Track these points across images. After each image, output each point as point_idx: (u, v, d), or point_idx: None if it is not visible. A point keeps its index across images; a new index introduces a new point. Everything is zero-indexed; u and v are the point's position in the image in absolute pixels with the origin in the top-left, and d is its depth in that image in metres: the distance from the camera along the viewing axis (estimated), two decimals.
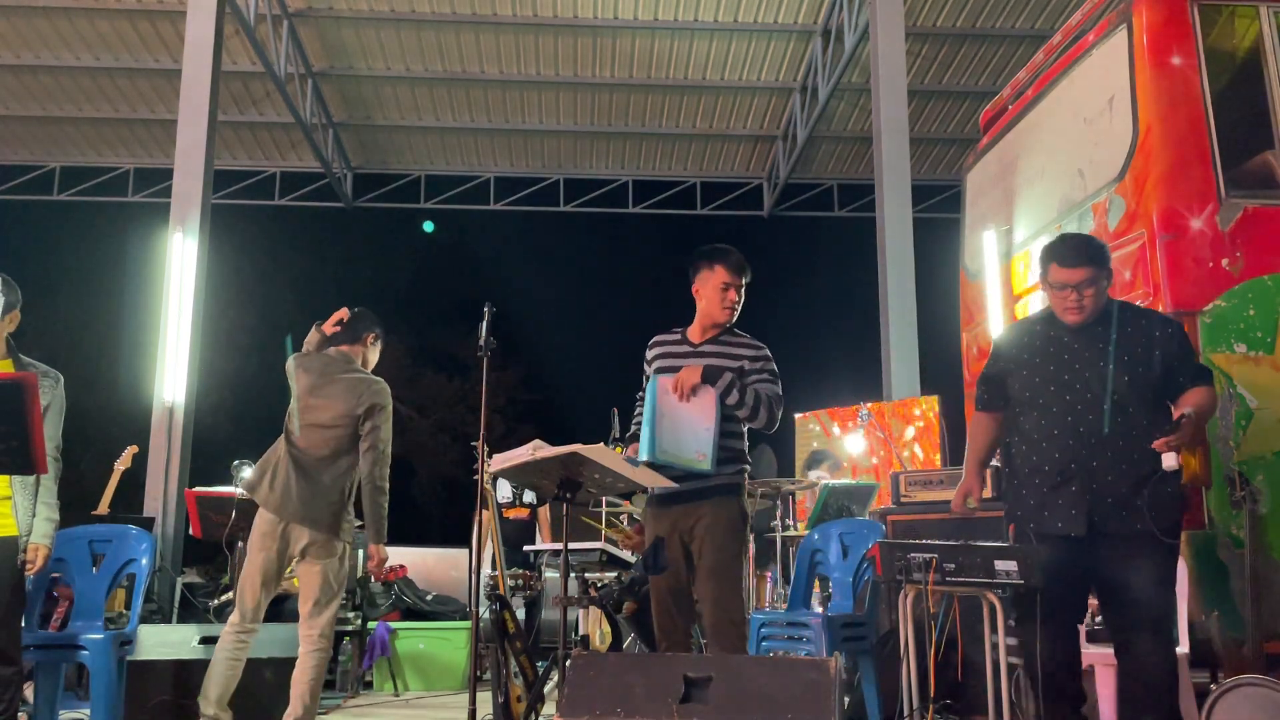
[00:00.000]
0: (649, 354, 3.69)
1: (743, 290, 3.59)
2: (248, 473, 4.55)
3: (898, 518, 4.33)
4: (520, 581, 6.09)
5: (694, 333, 3.60)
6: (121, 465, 6.67)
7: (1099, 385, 3.10)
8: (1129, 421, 3.06)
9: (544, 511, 7.60)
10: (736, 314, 3.59)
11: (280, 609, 5.90)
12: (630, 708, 2.56)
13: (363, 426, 4.05)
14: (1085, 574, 3.14)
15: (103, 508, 6.52)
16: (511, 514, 7.31)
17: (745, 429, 3.55)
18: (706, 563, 3.37)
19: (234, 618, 3.99)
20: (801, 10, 9.89)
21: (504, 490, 7.45)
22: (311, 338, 4.23)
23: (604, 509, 8.45)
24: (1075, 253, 3.15)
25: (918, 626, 3.85)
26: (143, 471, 7.37)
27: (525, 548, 6.93)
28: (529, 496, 7.52)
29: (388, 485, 4.09)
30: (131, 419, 8.97)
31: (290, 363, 4.21)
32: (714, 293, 3.56)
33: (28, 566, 3.46)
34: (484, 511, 4.78)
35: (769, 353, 3.56)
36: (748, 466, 3.54)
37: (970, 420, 3.48)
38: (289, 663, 4.23)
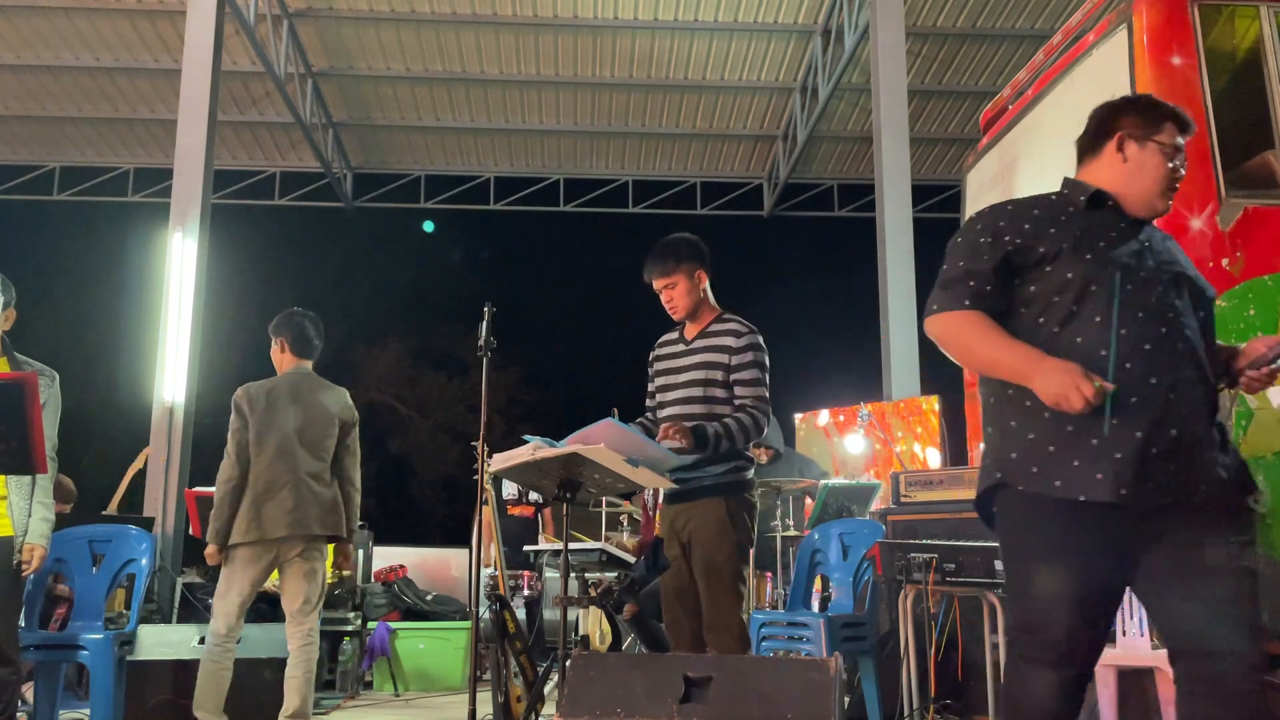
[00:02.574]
0: (651, 354, 3.72)
1: (671, 287, 3.53)
2: None
3: (898, 518, 4.33)
4: (518, 583, 6.09)
5: (688, 330, 3.61)
6: (135, 467, 6.67)
7: (1185, 295, 2.22)
8: (1209, 353, 2.23)
9: (548, 510, 7.58)
10: (678, 313, 3.56)
11: (280, 609, 5.90)
12: (630, 708, 2.56)
13: (347, 435, 4.21)
14: (1141, 568, 2.13)
15: (112, 509, 6.52)
16: (515, 510, 7.29)
17: None
18: (697, 563, 3.38)
19: (220, 628, 3.96)
20: (801, 10, 9.89)
21: (509, 487, 7.44)
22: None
23: (604, 509, 8.46)
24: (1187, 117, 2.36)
25: (918, 626, 3.86)
26: (143, 471, 7.37)
27: (525, 547, 6.93)
28: (535, 494, 7.50)
29: None
30: (131, 419, 8.98)
31: (254, 393, 4.15)
32: None
33: (24, 567, 3.45)
34: (484, 509, 4.78)
35: (755, 339, 3.47)
36: (743, 462, 3.48)
37: (953, 327, 2.34)
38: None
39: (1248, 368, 2.25)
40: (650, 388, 3.70)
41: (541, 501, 7.46)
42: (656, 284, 3.57)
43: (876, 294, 8.13)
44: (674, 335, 3.66)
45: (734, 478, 3.43)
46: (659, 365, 3.64)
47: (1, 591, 3.37)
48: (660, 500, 5.94)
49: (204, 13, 8.17)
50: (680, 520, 3.45)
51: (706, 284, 3.59)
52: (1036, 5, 9.72)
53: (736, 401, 3.42)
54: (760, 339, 3.49)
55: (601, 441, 3.09)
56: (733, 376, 3.43)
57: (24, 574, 3.46)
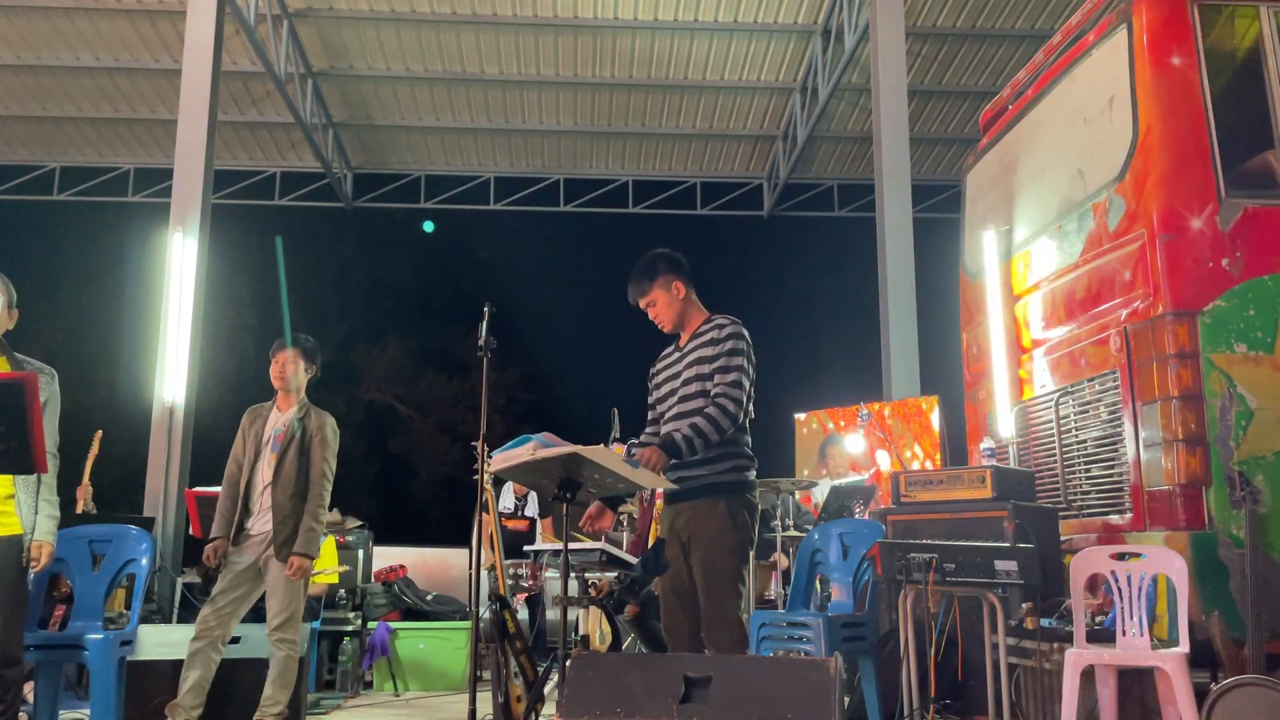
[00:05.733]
0: (651, 370, 3.78)
1: (652, 305, 3.61)
2: None
3: (898, 518, 4.33)
4: (523, 573, 6.05)
5: (682, 339, 3.66)
6: (93, 454, 6.63)
7: None
8: None
9: (546, 524, 7.57)
10: (665, 326, 3.63)
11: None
12: (630, 708, 2.56)
13: None
14: None
15: (82, 499, 6.43)
16: (511, 524, 7.30)
17: (746, 432, 3.56)
18: (696, 562, 3.38)
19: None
20: (801, 10, 9.89)
21: (506, 500, 7.44)
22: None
23: None
24: None
25: (918, 626, 3.85)
26: (143, 471, 7.37)
27: (525, 548, 6.92)
28: (531, 510, 7.49)
29: None
30: (131, 419, 8.97)
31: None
32: None
33: (33, 564, 3.46)
34: (484, 513, 4.78)
35: (736, 329, 3.49)
36: (744, 461, 3.48)
37: None
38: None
39: None
40: (650, 401, 3.73)
41: (540, 514, 7.46)
42: (640, 305, 3.65)
43: (876, 294, 8.13)
44: (671, 349, 3.70)
45: (735, 477, 3.43)
46: (659, 379, 3.68)
47: (9, 589, 3.37)
48: (659, 499, 5.94)
49: (204, 13, 8.17)
50: (680, 519, 3.45)
51: (687, 292, 3.62)
52: (1036, 5, 9.72)
53: (712, 392, 3.42)
54: (742, 330, 3.51)
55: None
56: (712, 367, 3.45)
57: (33, 571, 3.47)
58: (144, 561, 4.42)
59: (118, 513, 7.66)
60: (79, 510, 6.33)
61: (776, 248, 18.09)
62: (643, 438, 3.71)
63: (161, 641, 4.59)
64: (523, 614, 6.75)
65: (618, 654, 4.54)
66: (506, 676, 3.65)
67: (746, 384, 3.43)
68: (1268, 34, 4.03)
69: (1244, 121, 3.97)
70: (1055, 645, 3.82)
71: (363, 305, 22.39)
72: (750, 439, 3.56)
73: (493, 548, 5.30)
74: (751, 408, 3.56)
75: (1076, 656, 3.54)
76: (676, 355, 3.62)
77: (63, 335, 17.77)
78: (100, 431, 6.78)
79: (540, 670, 3.79)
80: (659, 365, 3.71)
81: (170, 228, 7.78)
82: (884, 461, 7.43)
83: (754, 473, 3.53)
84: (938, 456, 7.07)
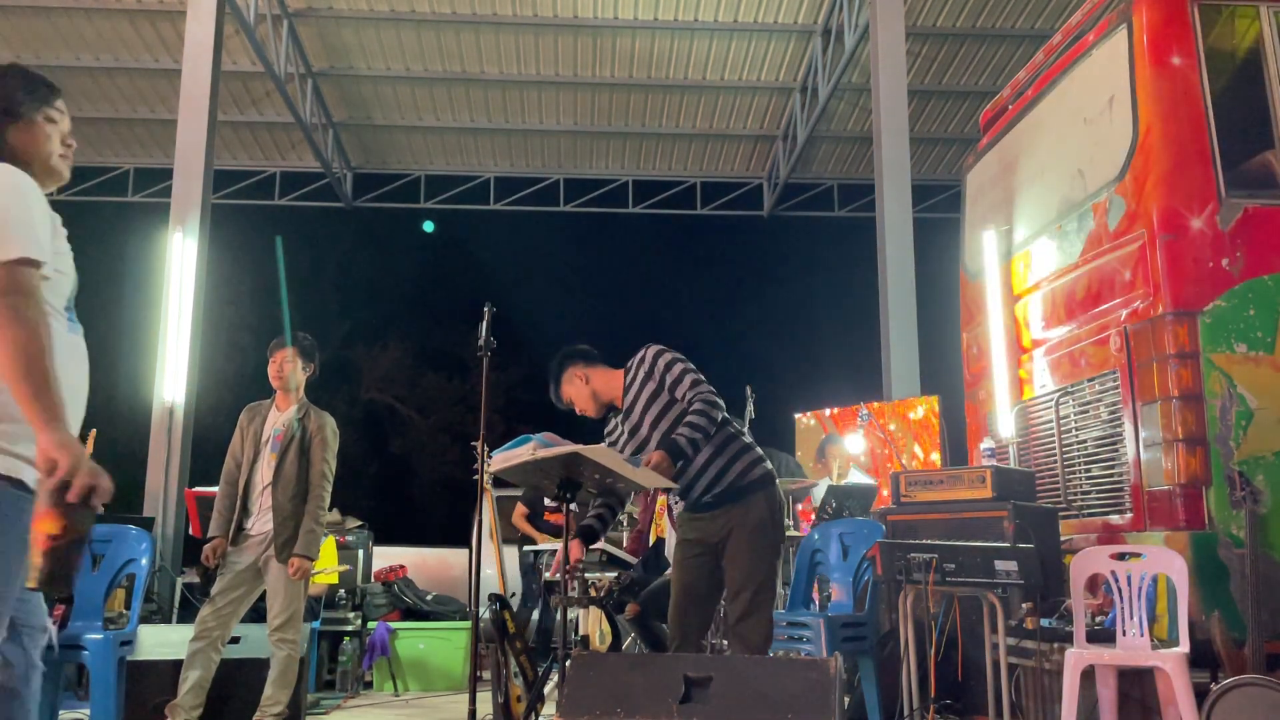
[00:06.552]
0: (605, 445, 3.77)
1: (573, 406, 3.65)
2: None
3: (898, 518, 4.33)
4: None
5: (619, 403, 3.64)
6: (87, 453, 6.60)
7: None
8: None
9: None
10: (591, 413, 3.64)
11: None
12: (630, 708, 2.56)
13: None
14: None
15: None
16: (551, 517, 7.32)
17: (741, 428, 3.57)
18: (735, 560, 3.39)
19: None
20: (801, 10, 9.89)
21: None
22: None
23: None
24: None
25: (918, 626, 3.85)
26: (143, 471, 7.37)
27: (525, 547, 6.92)
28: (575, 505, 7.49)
29: None
30: (131, 419, 8.97)
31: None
32: None
33: None
34: (486, 510, 4.78)
35: (654, 349, 3.51)
36: (759, 455, 3.50)
37: None
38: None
39: None
40: None
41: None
42: (561, 405, 3.69)
43: (876, 294, 8.13)
44: (612, 419, 3.69)
45: (761, 471, 3.48)
46: (619, 445, 3.62)
47: None
48: (661, 494, 5.93)
49: (204, 13, 8.17)
50: (716, 524, 3.44)
51: (589, 371, 3.63)
52: (1036, 5, 9.72)
53: (684, 402, 3.43)
54: (657, 347, 3.54)
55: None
56: (666, 388, 3.46)
57: None
58: (144, 561, 4.42)
59: (117, 513, 7.65)
60: None
61: (776, 248, 18.09)
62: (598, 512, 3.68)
63: (161, 641, 4.60)
64: (536, 615, 6.73)
65: (618, 654, 4.54)
66: (506, 676, 3.65)
67: (700, 376, 3.46)
68: (1268, 34, 4.03)
69: (1244, 121, 3.97)
70: (1055, 645, 3.82)
71: (363, 305, 22.39)
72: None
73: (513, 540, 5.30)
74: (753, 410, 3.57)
75: (1076, 656, 3.54)
76: (623, 415, 3.60)
77: None
78: (94, 431, 6.78)
79: (540, 670, 3.79)
80: (612, 437, 3.67)
81: (170, 228, 7.78)
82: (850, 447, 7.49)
83: (770, 464, 3.57)
84: (936, 456, 7.07)
